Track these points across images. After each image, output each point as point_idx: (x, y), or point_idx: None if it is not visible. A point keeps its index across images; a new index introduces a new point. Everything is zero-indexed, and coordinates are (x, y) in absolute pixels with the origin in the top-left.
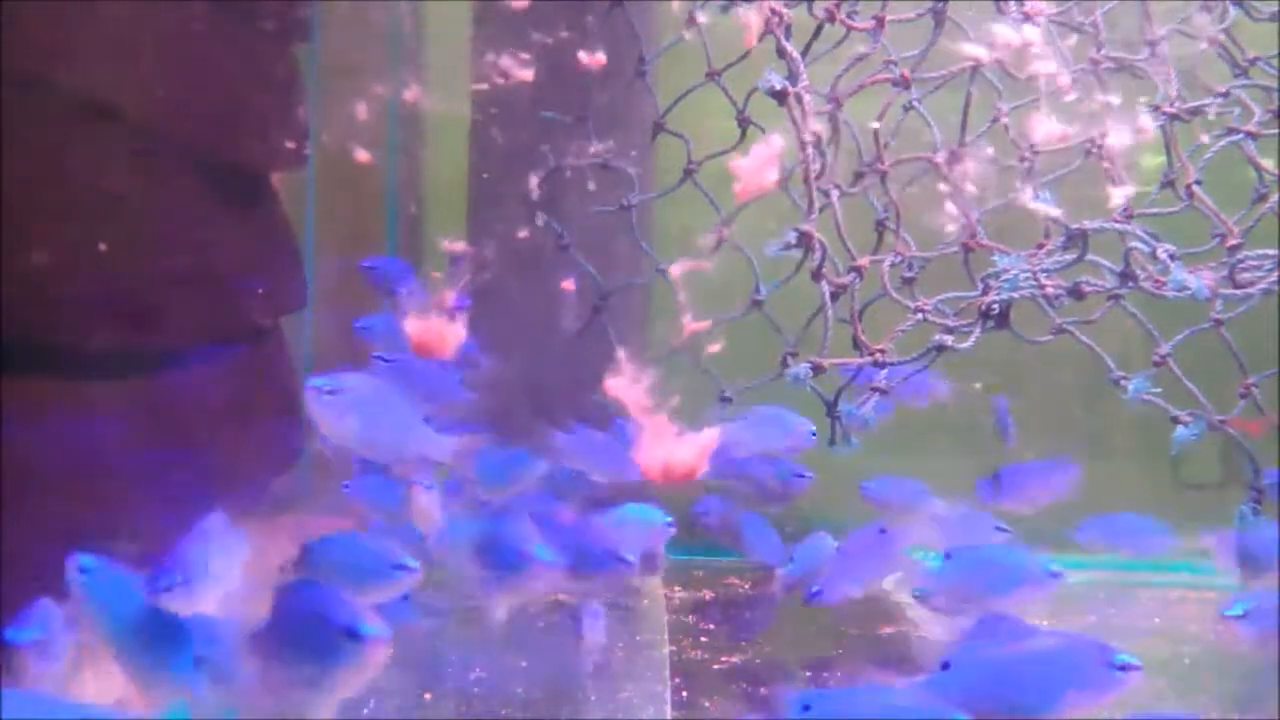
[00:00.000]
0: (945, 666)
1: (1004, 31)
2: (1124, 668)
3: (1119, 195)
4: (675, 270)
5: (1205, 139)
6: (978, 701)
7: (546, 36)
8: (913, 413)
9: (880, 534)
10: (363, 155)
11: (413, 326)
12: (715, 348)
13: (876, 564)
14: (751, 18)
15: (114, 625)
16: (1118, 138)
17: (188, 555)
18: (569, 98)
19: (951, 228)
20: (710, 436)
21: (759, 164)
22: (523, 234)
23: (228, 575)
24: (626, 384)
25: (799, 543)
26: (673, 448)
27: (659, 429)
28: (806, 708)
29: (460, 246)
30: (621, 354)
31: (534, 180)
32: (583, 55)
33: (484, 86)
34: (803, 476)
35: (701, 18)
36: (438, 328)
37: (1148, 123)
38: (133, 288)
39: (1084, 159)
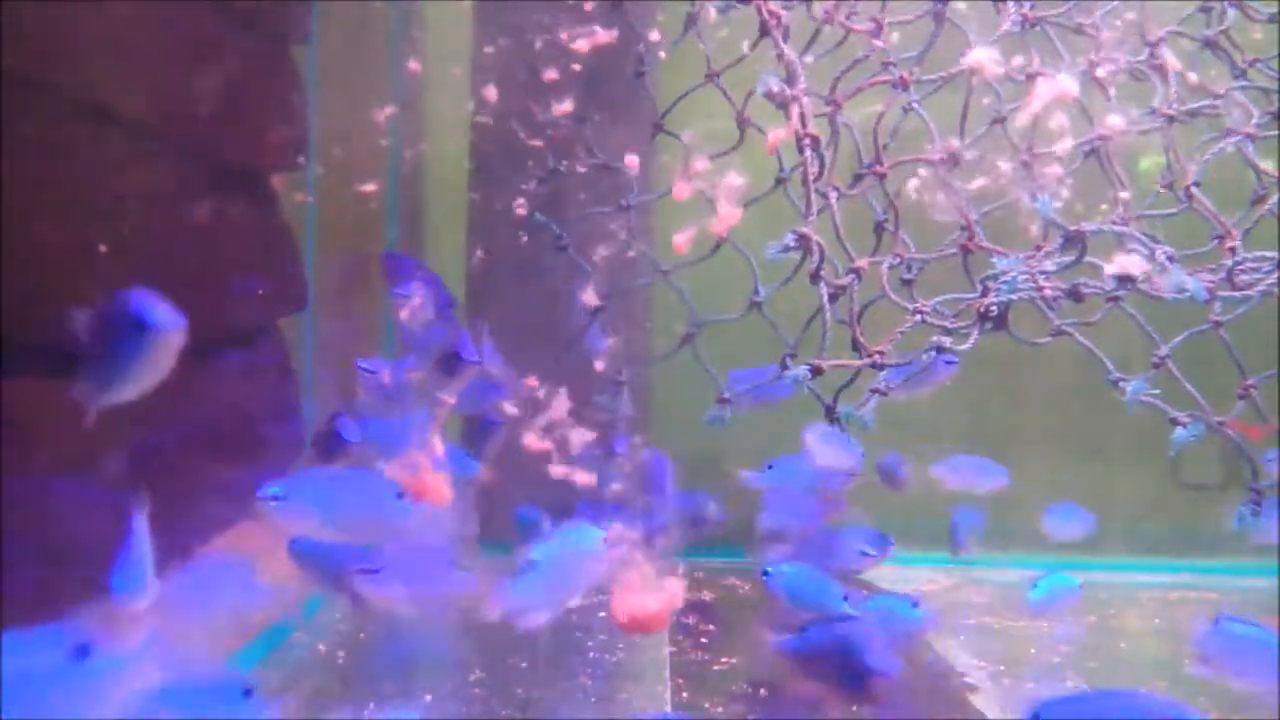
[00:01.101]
0: (803, 630)
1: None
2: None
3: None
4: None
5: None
6: (822, 655)
7: (548, 36)
8: (914, 413)
9: None
10: (362, 154)
11: (410, 474)
12: None
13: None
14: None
15: None
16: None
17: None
18: (572, 97)
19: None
20: (677, 587)
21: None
22: (523, 235)
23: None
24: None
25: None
26: (640, 599)
27: (629, 581)
28: (1036, 717)
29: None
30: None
31: (534, 181)
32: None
33: (484, 87)
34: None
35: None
36: (432, 479)
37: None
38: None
39: (1084, 160)
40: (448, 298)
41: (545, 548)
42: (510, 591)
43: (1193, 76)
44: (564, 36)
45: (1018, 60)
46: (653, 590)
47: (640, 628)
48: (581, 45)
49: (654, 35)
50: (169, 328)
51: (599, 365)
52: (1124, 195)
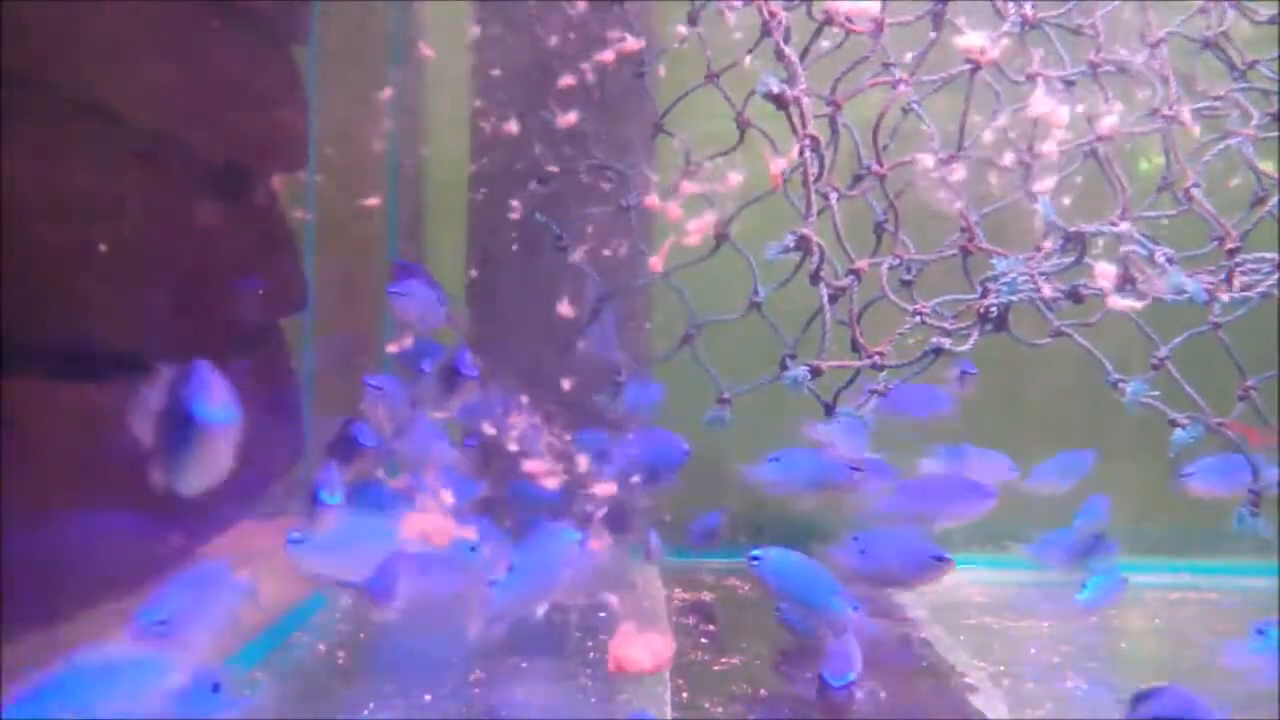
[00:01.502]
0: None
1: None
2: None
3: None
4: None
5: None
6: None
7: (548, 36)
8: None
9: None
10: (362, 153)
11: (411, 526)
12: None
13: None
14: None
15: None
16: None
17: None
18: (571, 97)
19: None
20: (667, 644)
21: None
22: (523, 236)
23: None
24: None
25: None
26: (633, 651)
27: (624, 633)
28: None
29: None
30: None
31: (533, 183)
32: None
33: (485, 87)
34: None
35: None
36: (437, 523)
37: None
38: (133, 288)
39: (1083, 161)
40: (444, 297)
41: (517, 557)
42: (489, 598)
43: (1189, 121)
44: (581, 42)
45: (1006, 42)
46: (647, 645)
47: (631, 674)
48: (608, 55)
49: (681, 29)
50: (215, 423)
51: (567, 383)
52: (1124, 226)
